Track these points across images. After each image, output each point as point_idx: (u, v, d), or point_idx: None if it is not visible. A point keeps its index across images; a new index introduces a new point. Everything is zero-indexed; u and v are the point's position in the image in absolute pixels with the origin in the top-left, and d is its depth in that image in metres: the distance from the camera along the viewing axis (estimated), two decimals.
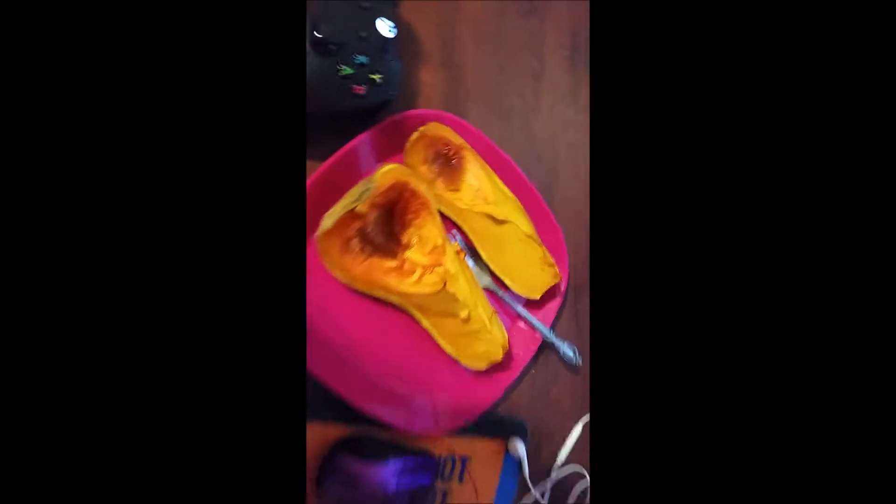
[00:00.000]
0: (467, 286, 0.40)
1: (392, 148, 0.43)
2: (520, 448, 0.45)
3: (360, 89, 0.38)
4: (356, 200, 0.35)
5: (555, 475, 0.47)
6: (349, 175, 0.42)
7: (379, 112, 0.42)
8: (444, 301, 0.39)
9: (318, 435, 0.39)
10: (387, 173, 0.37)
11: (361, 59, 0.38)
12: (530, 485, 0.45)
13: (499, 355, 0.41)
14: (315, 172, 0.40)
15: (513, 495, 0.45)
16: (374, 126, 0.41)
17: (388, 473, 0.37)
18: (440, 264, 0.39)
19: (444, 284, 0.38)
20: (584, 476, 0.47)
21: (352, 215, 0.35)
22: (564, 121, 0.52)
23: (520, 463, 0.45)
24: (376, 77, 0.38)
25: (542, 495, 0.46)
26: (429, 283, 0.39)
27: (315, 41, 0.36)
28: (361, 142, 0.41)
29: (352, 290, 0.41)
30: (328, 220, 0.36)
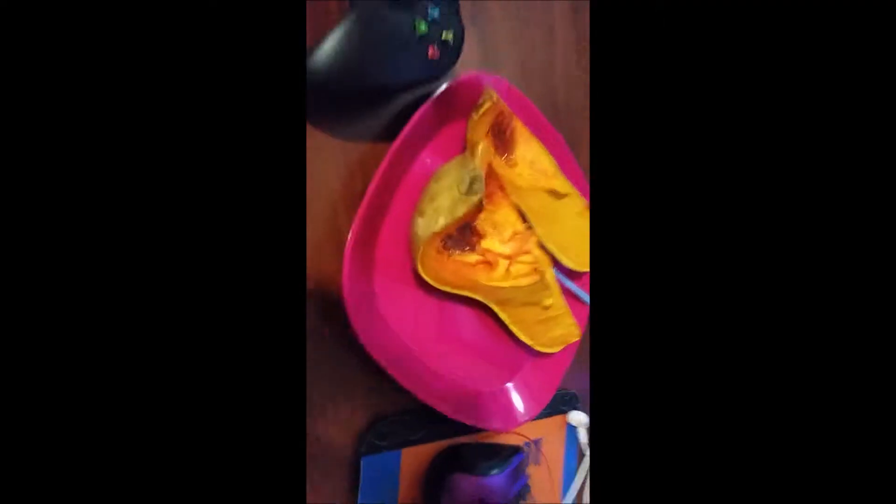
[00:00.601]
0: (551, 271, 0.37)
1: (443, 119, 0.37)
2: (582, 418, 0.46)
3: (435, 52, 0.31)
4: (471, 192, 0.29)
5: None
6: (409, 157, 0.35)
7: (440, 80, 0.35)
8: (534, 292, 0.36)
9: (413, 458, 0.35)
10: (484, 154, 0.31)
11: (434, 11, 0.30)
12: (586, 451, 0.47)
13: (577, 335, 0.40)
14: (384, 159, 0.32)
15: (575, 463, 0.46)
16: (431, 97, 0.34)
17: (504, 481, 0.35)
18: (526, 252, 0.36)
19: (542, 275, 0.35)
20: None
21: (474, 209, 0.29)
22: (576, 79, 0.50)
23: (576, 431, 0.46)
24: (449, 37, 0.31)
25: None
26: (520, 275, 0.35)
27: None
28: (422, 117, 0.34)
29: (429, 294, 0.35)
30: (441, 218, 0.29)
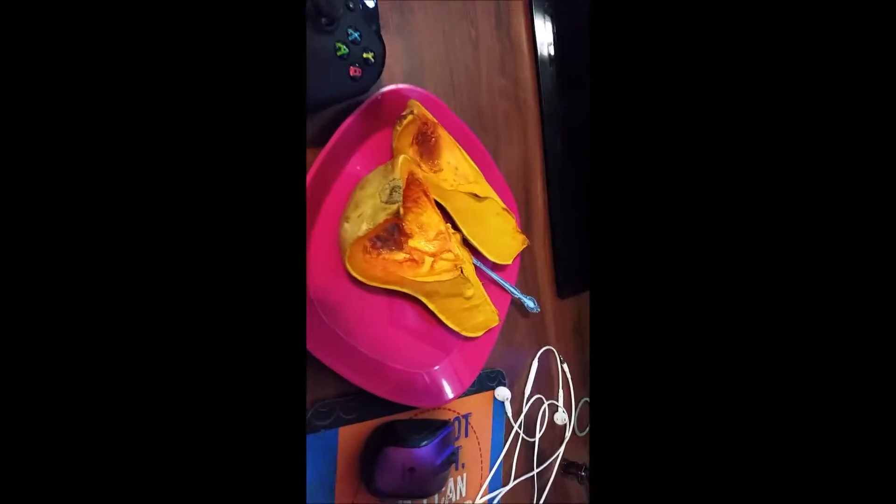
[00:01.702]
0: (471, 266, 0.42)
1: (370, 128, 0.40)
2: (506, 393, 0.51)
3: (357, 71, 0.34)
4: (390, 201, 0.33)
5: (526, 407, 0.55)
6: (339, 164, 0.38)
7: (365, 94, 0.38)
8: (456, 284, 0.40)
9: (349, 436, 0.39)
10: (403, 165, 0.35)
11: (354, 34, 0.34)
12: (512, 422, 0.53)
13: (496, 321, 0.45)
14: (313, 165, 0.35)
15: (503, 434, 0.52)
16: (357, 108, 0.38)
17: (432, 451, 0.39)
18: (448, 250, 0.40)
19: (462, 270, 0.39)
20: (544, 401, 0.57)
21: (393, 216, 0.33)
22: (499, 89, 0.55)
23: (503, 405, 0.52)
24: (370, 56, 0.35)
25: (521, 427, 0.54)
26: (443, 271, 0.40)
27: (313, 14, 0.31)
28: (350, 126, 0.37)
29: (360, 289, 0.39)
30: (364, 224, 0.33)
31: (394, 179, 0.34)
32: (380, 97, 0.39)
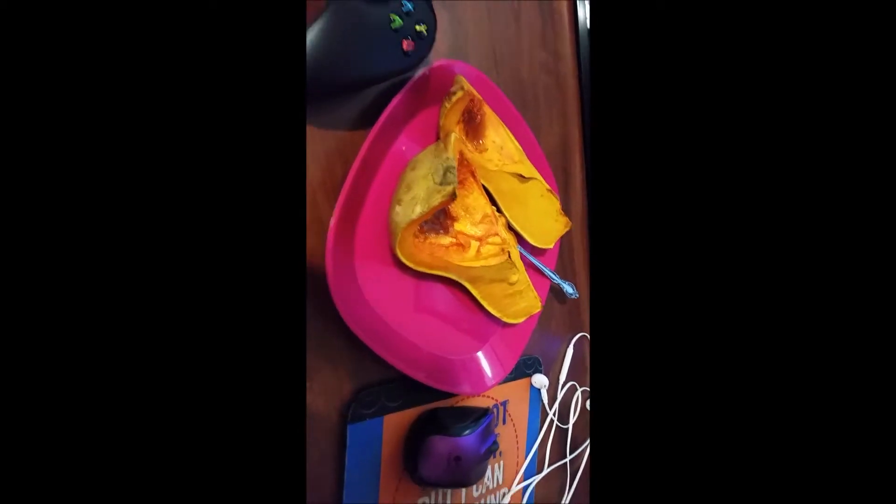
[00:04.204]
0: (516, 251, 0.40)
1: (417, 107, 0.38)
2: (544, 380, 0.50)
3: (410, 45, 0.32)
4: (445, 182, 0.31)
5: (560, 394, 0.54)
6: (386, 144, 0.37)
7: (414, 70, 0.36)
8: (502, 270, 0.39)
9: (393, 424, 0.38)
10: (455, 144, 0.33)
11: (408, 5, 0.32)
12: (548, 409, 0.52)
13: (538, 307, 0.44)
14: (363, 146, 0.34)
15: (538, 421, 0.51)
16: (405, 85, 0.36)
17: (476, 440, 0.38)
18: (495, 234, 0.39)
19: (509, 255, 0.38)
20: (577, 388, 0.56)
21: (448, 198, 0.31)
22: (541, 63, 0.52)
23: (540, 392, 0.51)
24: (423, 29, 0.33)
25: (555, 414, 0.53)
26: (490, 255, 0.38)
27: None
28: (397, 105, 0.35)
29: (406, 274, 0.38)
30: (417, 207, 0.31)
31: (447, 159, 0.32)
32: (428, 73, 0.37)
